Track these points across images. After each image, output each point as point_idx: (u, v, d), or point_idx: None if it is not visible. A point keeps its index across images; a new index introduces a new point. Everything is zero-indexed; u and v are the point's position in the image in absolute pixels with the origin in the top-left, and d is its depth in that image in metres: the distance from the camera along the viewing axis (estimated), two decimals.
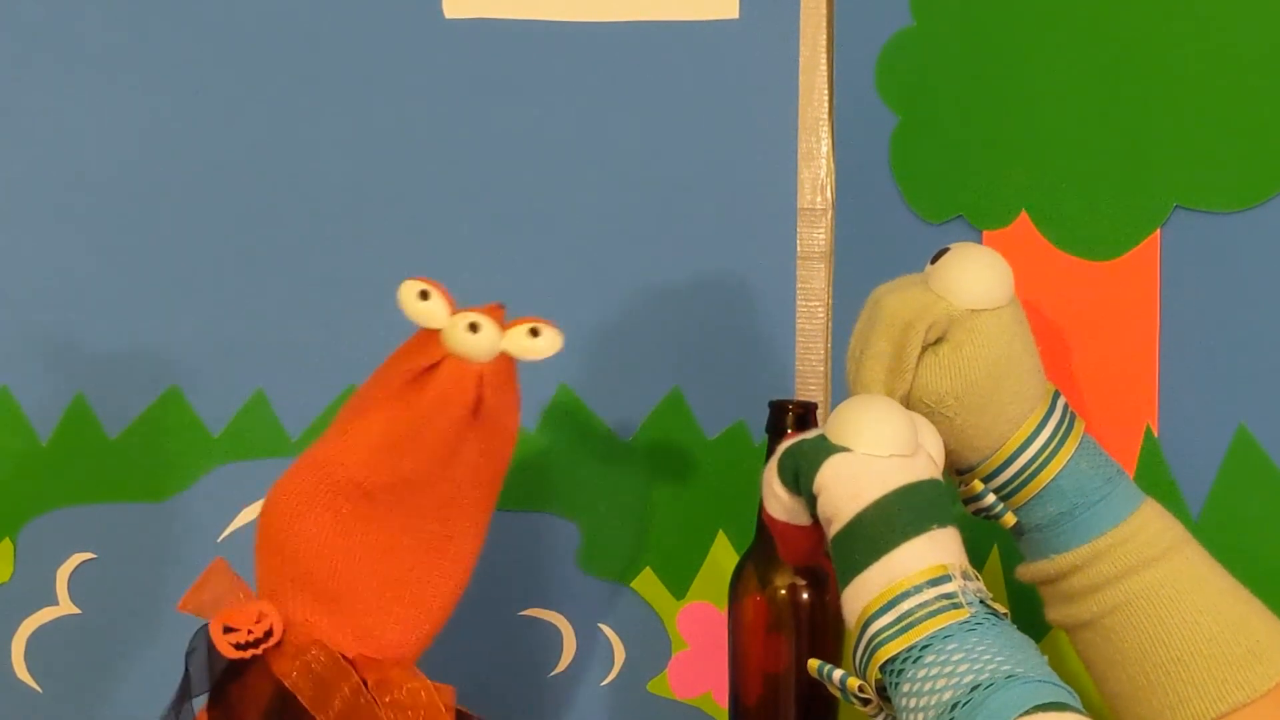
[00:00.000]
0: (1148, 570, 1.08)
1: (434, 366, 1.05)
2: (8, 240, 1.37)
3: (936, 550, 1.00)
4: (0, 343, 1.37)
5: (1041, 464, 1.09)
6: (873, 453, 1.02)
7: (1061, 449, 1.09)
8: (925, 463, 1.03)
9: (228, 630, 1.05)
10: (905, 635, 0.97)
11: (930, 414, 1.08)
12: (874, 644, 0.98)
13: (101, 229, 1.37)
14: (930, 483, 1.02)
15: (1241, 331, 1.22)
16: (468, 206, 1.38)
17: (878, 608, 0.99)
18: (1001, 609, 0.99)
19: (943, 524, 1.01)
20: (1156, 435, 1.25)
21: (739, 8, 1.38)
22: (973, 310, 1.08)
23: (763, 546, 1.25)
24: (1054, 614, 1.12)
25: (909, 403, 1.08)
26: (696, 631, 1.40)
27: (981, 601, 0.98)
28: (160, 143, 1.37)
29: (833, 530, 1.03)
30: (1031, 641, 0.98)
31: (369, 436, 1.05)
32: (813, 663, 1.04)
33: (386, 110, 1.38)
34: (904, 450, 1.02)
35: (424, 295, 1.04)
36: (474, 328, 1.04)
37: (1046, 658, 0.98)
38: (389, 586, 1.09)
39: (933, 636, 0.97)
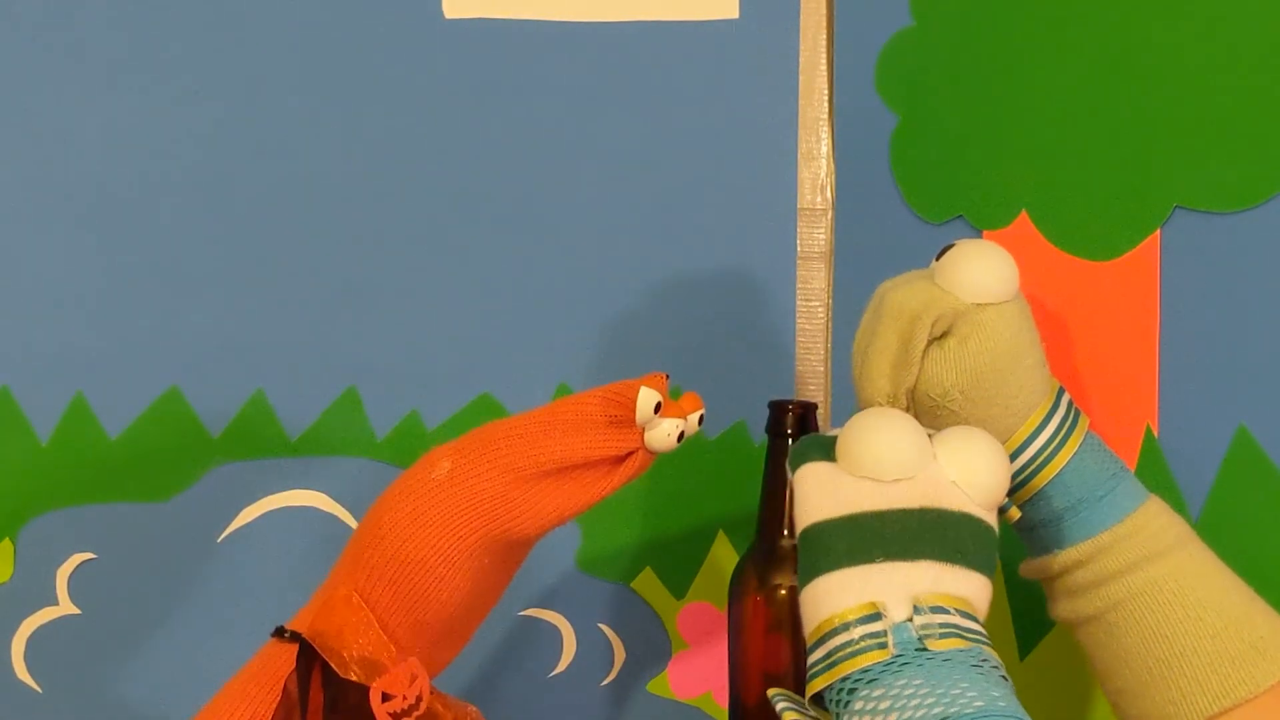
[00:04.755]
0: (1151, 566, 1.08)
1: (630, 454, 1.08)
2: (7, 240, 1.37)
3: (873, 584, 0.97)
4: (0, 343, 1.37)
5: (1046, 459, 1.09)
6: (847, 470, 1.01)
7: (1066, 444, 1.09)
8: (916, 491, 1.00)
9: (386, 698, 1.03)
10: (830, 673, 0.96)
11: (935, 408, 1.08)
12: (810, 674, 0.98)
13: (101, 229, 1.37)
14: (908, 513, 0.99)
15: (1241, 331, 1.22)
16: (467, 206, 1.38)
17: (814, 640, 0.98)
18: (950, 645, 0.96)
19: (906, 557, 0.98)
20: (1156, 435, 1.25)
21: (739, 8, 1.38)
22: (978, 304, 1.08)
23: (763, 546, 1.25)
24: (1057, 609, 1.12)
25: (914, 397, 1.08)
26: (696, 631, 1.40)
27: (921, 639, 0.96)
28: (160, 143, 1.37)
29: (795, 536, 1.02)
30: (983, 665, 0.95)
31: (557, 512, 1.07)
32: (770, 692, 1.04)
33: (386, 110, 1.38)
34: (881, 474, 1.00)
35: (658, 409, 1.07)
36: (680, 436, 1.08)
37: (1004, 676, 0.96)
38: (474, 625, 1.11)
39: (857, 679, 0.95)
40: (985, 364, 1.07)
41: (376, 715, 1.03)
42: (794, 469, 1.03)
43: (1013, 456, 1.09)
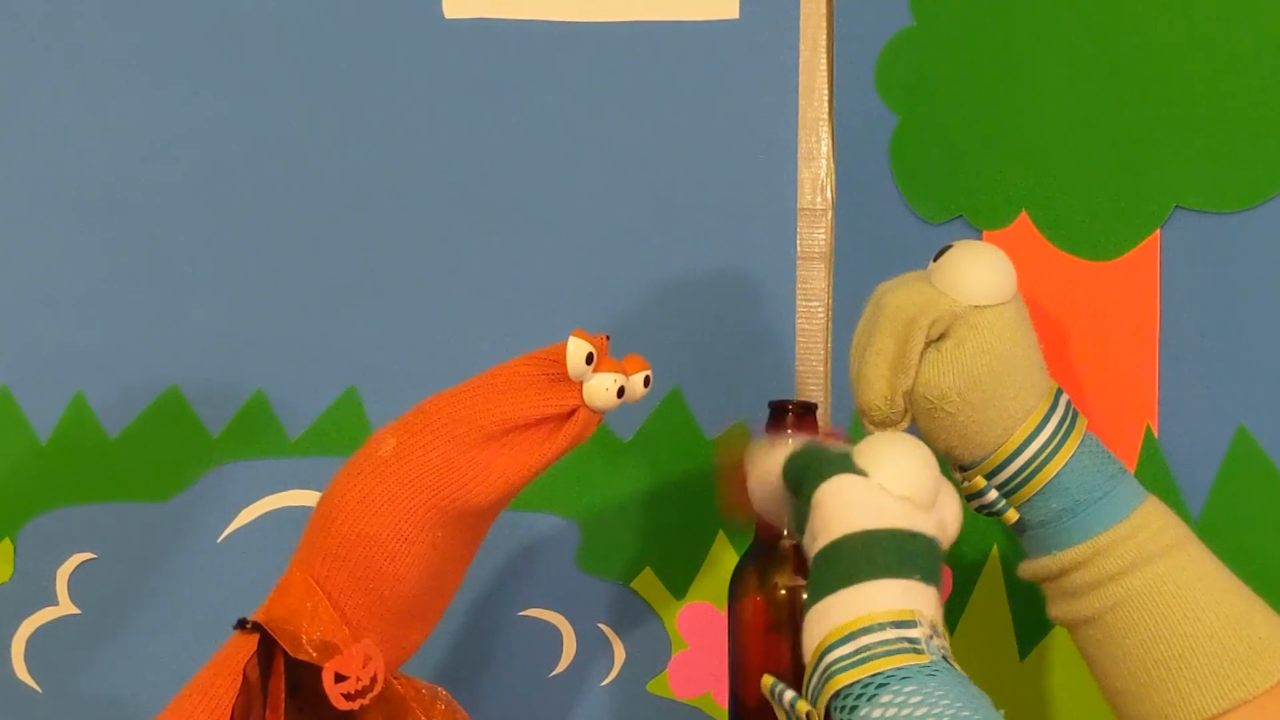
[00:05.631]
0: (1150, 566, 1.08)
1: (570, 414, 1.06)
2: (7, 240, 1.37)
3: (909, 597, 0.99)
4: (0, 343, 1.37)
5: (1044, 460, 1.09)
6: (885, 487, 1.01)
7: (1064, 445, 1.09)
8: (934, 522, 1.02)
9: (339, 679, 1.03)
10: (861, 667, 0.96)
11: (933, 410, 1.08)
12: (830, 672, 0.98)
13: (101, 229, 1.37)
14: (929, 540, 1.02)
15: (1241, 331, 1.22)
16: (467, 206, 1.38)
17: (838, 637, 0.98)
18: (959, 671, 0.98)
19: (926, 580, 1.00)
20: (1156, 435, 1.25)
21: (739, 8, 1.38)
22: (976, 306, 1.08)
23: (763, 546, 1.25)
24: (1056, 611, 1.12)
25: (912, 399, 1.08)
26: (696, 631, 1.40)
27: (944, 657, 0.97)
28: (160, 143, 1.37)
29: (816, 547, 1.02)
30: (988, 698, 0.97)
31: (505, 477, 1.06)
32: (766, 679, 1.04)
33: (386, 110, 1.38)
34: (917, 498, 1.02)
35: (589, 359, 1.06)
36: (620, 392, 1.07)
37: (1003, 713, 0.97)
38: (439, 604, 1.10)
39: (890, 675, 0.96)
40: (982, 366, 1.07)
41: (330, 696, 1.03)
42: (826, 477, 1.03)
43: (1010, 458, 1.09)
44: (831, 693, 0.97)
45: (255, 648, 1.04)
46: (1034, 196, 1.29)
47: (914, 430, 1.11)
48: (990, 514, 1.12)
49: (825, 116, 1.38)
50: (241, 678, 1.03)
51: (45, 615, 1.38)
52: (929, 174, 1.34)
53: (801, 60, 1.38)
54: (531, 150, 1.38)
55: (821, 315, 1.39)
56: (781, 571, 1.24)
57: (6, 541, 1.37)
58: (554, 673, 1.40)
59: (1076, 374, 1.27)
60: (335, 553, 1.05)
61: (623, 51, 1.38)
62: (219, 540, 1.38)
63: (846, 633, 0.98)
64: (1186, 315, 1.24)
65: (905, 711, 0.94)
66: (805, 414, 1.25)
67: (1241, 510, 1.23)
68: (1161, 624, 1.08)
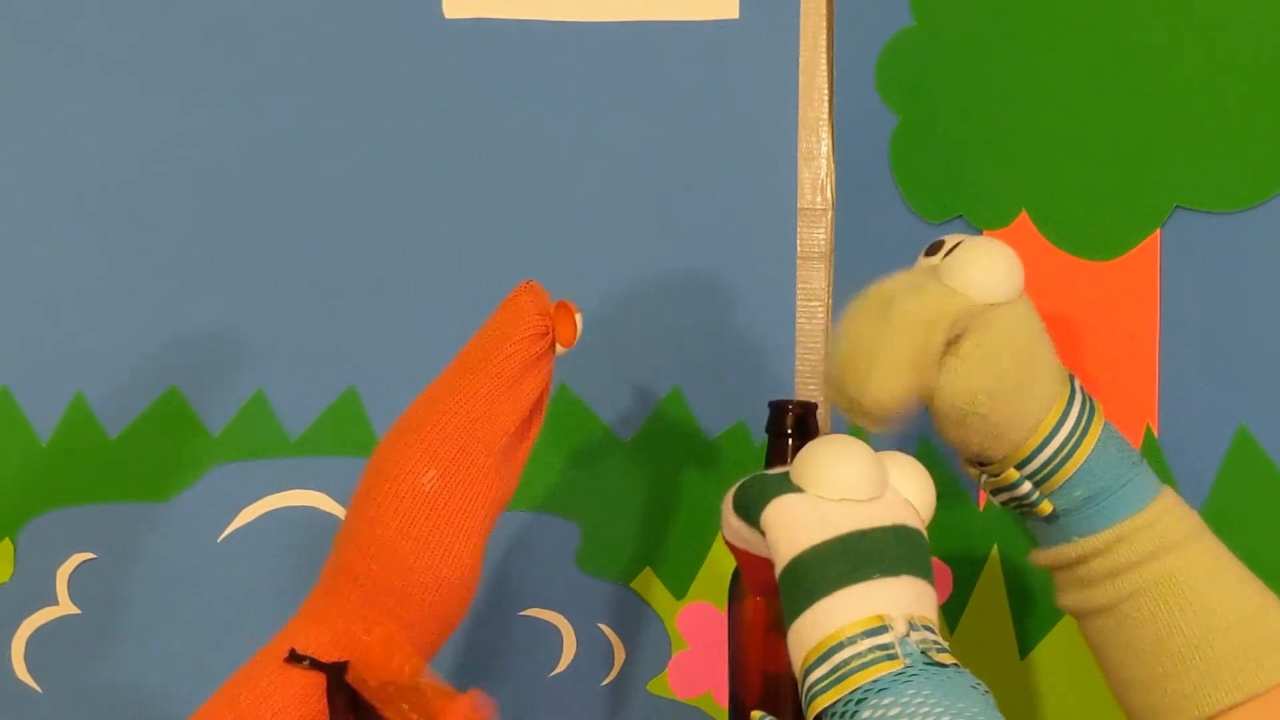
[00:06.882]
0: (1168, 556, 1.08)
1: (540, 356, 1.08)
2: (7, 240, 1.37)
3: (874, 599, 0.97)
4: (0, 343, 1.37)
5: (1073, 447, 1.08)
6: (821, 495, 1.00)
7: (1089, 432, 1.09)
8: (888, 510, 1.00)
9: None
10: (838, 687, 0.95)
11: (965, 416, 1.06)
12: (811, 694, 0.96)
13: (101, 229, 1.37)
14: (887, 531, 1.00)
15: (1241, 331, 1.22)
16: (467, 206, 1.38)
17: (814, 658, 0.96)
18: (948, 660, 0.96)
19: (892, 573, 0.98)
20: (1156, 435, 1.25)
21: (739, 8, 1.38)
22: (990, 304, 1.07)
23: None
24: (1068, 599, 1.11)
25: (938, 409, 1.07)
26: (696, 631, 1.40)
27: (924, 653, 0.96)
28: (160, 143, 1.37)
29: (776, 572, 1.01)
30: (979, 687, 0.95)
31: (523, 461, 1.08)
32: (755, 714, 1.03)
33: (386, 110, 1.38)
34: (857, 495, 1.00)
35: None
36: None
37: (994, 701, 0.96)
38: (462, 605, 1.10)
39: (866, 690, 0.94)
40: (1007, 361, 1.06)
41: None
42: (759, 509, 1.01)
43: (1041, 446, 1.08)
44: (815, 714, 0.97)
45: (324, 689, 1.01)
46: (1034, 196, 1.29)
47: (935, 438, 1.10)
48: (1021, 508, 1.10)
49: (825, 116, 1.38)
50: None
51: (45, 615, 1.37)
52: (929, 174, 1.34)
53: (801, 60, 1.38)
54: (531, 150, 1.38)
55: (821, 315, 1.39)
56: None
57: (6, 541, 1.37)
58: (554, 673, 1.40)
59: (1077, 373, 1.27)
60: (417, 599, 1.02)
61: (623, 51, 1.38)
62: (219, 540, 1.38)
63: (820, 653, 0.97)
64: (1186, 315, 1.24)
65: None
66: (805, 414, 1.25)
67: (1241, 510, 1.23)
68: (1179, 615, 1.07)
